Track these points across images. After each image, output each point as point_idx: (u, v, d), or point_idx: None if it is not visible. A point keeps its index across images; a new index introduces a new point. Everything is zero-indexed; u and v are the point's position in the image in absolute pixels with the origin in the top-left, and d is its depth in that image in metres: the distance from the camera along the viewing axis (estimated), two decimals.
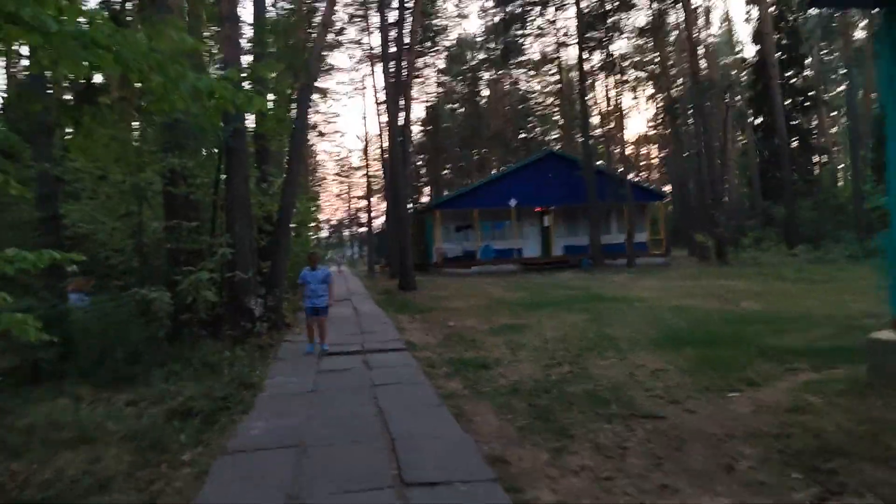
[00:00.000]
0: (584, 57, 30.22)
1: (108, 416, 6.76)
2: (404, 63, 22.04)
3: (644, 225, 33.23)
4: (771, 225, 33.04)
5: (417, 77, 51.62)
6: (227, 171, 10.44)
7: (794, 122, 38.31)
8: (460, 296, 19.07)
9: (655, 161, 71.26)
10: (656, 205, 34.13)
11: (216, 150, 11.06)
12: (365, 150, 34.08)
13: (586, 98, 30.66)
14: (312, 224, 23.12)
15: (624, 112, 54.52)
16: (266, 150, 13.57)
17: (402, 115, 21.45)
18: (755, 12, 38.97)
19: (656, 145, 69.81)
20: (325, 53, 47.99)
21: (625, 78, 30.34)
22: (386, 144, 31.66)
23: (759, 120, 40.43)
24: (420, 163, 65.30)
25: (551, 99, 72.42)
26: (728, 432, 5.30)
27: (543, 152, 35.10)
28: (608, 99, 46.28)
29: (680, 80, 45.50)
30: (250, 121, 12.48)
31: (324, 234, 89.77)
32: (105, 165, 10.96)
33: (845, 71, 38.81)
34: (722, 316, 12.08)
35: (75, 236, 11.13)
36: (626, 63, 29.88)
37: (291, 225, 25.43)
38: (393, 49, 22.20)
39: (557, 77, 71.42)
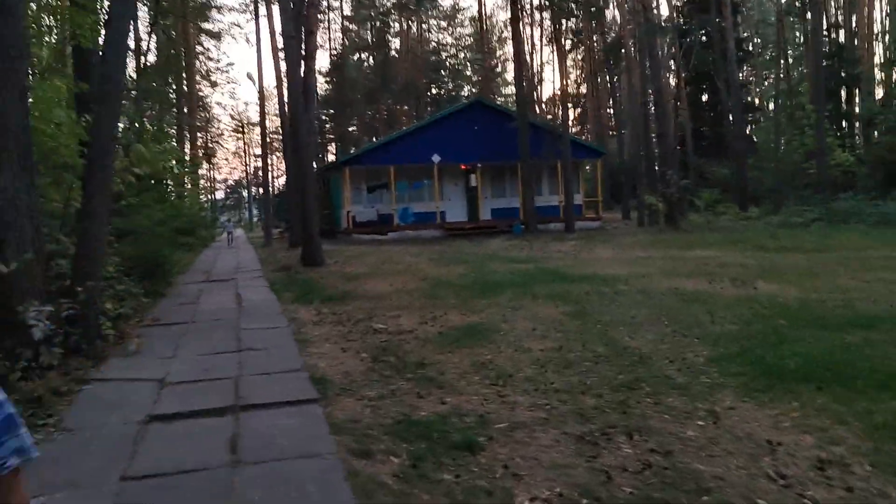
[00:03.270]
0: None
1: None
2: None
3: (579, 185, 29.95)
4: (707, 185, 30.64)
5: (321, 18, 46.04)
6: None
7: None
8: (381, 273, 14.92)
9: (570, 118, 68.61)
10: (593, 162, 30.89)
11: None
12: (260, 98, 28.71)
13: (519, 39, 26.62)
14: (188, 182, 18.31)
15: (546, 63, 51.37)
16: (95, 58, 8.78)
17: (303, 51, 16.84)
18: None
19: (569, 102, 67.08)
20: None
21: (561, 19, 26.38)
22: (286, 96, 26.58)
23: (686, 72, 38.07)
24: (324, 118, 59.86)
25: (464, 53, 68.45)
26: None
27: (469, 100, 31.01)
28: (532, 51, 42.76)
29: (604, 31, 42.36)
30: None
31: (220, 195, 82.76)
32: None
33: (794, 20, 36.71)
34: (763, 308, 8.61)
35: None
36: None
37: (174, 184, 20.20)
38: None
39: (471, 29, 67.54)
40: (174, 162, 9.48)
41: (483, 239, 24.89)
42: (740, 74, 41.04)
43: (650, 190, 25.60)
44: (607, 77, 48.23)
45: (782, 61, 38.36)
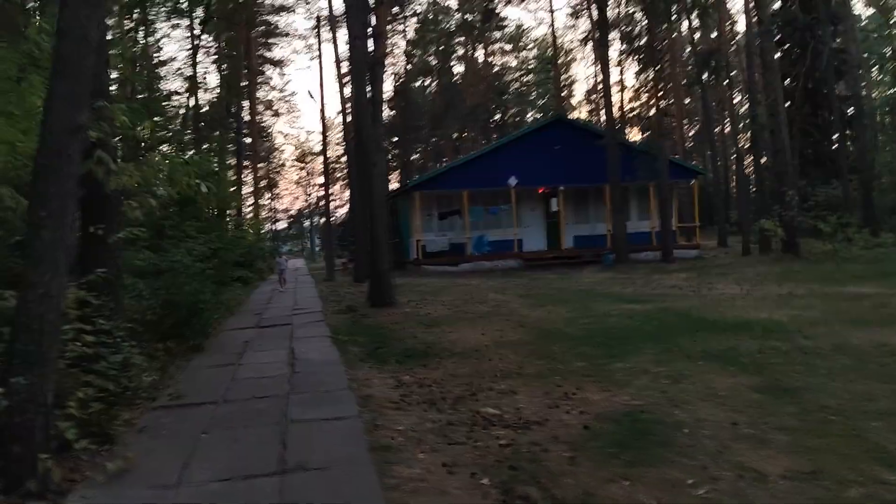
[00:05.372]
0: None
1: None
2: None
3: (673, 209, 26.73)
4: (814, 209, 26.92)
5: (386, 37, 44.44)
6: None
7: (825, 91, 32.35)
8: (467, 315, 12.24)
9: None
10: (687, 184, 27.66)
11: None
12: (322, 118, 26.78)
13: (606, 48, 23.79)
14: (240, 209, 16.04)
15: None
16: None
17: (370, 60, 14.56)
18: None
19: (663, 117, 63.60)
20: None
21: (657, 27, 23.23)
22: (352, 110, 24.43)
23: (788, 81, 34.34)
24: (388, 146, 58.28)
25: (529, 77, 66.23)
26: None
27: (549, 118, 28.35)
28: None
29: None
30: None
31: (282, 225, 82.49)
32: None
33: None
34: None
35: None
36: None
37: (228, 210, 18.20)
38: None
39: (536, 52, 65.27)
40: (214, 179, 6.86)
41: (568, 270, 21.97)
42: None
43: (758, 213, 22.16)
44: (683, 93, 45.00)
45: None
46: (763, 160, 27.66)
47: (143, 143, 9.48)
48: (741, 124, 33.62)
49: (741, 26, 46.30)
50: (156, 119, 17.07)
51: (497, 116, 63.08)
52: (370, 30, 13.82)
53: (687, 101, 48.07)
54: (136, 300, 7.78)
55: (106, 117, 6.13)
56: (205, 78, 39.85)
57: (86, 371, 5.40)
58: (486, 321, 11.37)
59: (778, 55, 32.73)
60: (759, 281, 15.82)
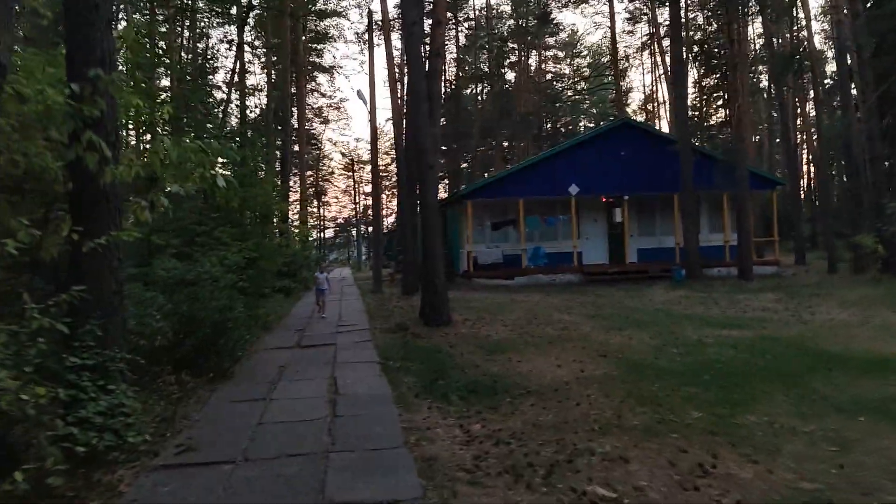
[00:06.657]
0: None
1: None
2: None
3: (750, 222, 24.53)
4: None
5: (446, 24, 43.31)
6: None
7: None
8: (533, 339, 10.61)
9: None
10: (767, 195, 25.50)
11: None
12: (372, 118, 25.37)
13: (679, 45, 21.81)
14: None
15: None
16: None
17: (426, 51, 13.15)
18: None
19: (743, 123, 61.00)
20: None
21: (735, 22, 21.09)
22: (405, 106, 23.02)
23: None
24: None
25: (581, 84, 64.35)
26: None
27: (616, 121, 26.40)
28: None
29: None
30: None
31: (329, 233, 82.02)
32: None
33: None
34: None
35: None
36: None
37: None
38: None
39: (589, 59, 63.45)
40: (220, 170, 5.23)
41: (635, 286, 20.04)
42: None
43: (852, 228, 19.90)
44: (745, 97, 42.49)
45: None
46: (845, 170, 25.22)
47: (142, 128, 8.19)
48: (825, 125, 30.95)
49: (816, 25, 43.71)
50: (199, 117, 16.01)
51: (548, 125, 61.34)
52: (429, 18, 12.42)
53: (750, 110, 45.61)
54: (143, 322, 6.41)
55: (102, 91, 4.79)
56: (251, 73, 39.24)
57: (65, 420, 4.04)
58: (559, 348, 9.74)
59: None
60: (867, 305, 13.74)
